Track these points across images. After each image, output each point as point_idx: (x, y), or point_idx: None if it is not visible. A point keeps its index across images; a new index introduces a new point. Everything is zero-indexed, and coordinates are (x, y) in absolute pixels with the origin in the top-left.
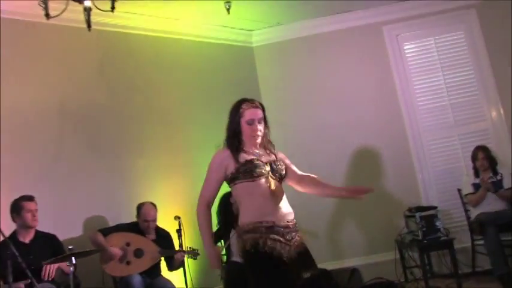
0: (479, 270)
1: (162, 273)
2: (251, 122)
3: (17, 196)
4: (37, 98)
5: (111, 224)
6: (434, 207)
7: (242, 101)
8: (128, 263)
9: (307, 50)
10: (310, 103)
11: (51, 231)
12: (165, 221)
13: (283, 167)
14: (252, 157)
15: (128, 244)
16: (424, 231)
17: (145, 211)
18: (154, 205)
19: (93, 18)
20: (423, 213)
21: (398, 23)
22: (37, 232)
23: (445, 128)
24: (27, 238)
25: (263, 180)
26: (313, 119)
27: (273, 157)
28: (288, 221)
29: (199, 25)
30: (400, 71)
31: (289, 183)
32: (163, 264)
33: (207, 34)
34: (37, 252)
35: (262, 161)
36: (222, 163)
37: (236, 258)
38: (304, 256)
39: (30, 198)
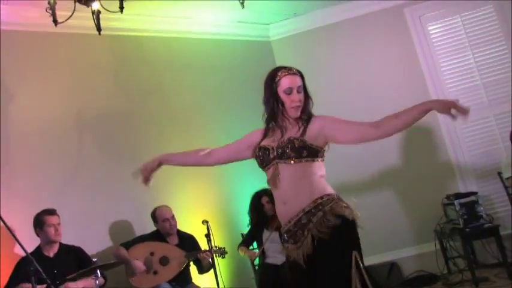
0: None
1: (194, 280)
2: (289, 91)
3: (40, 210)
4: (54, 109)
5: (137, 230)
6: (475, 193)
7: (278, 69)
8: (155, 272)
9: (327, 40)
10: (335, 93)
11: (78, 244)
12: (193, 226)
13: (302, 142)
14: (269, 143)
15: (152, 254)
16: (465, 219)
17: (160, 212)
18: (168, 208)
19: (104, 23)
20: (463, 200)
21: (420, 4)
22: (61, 245)
23: (479, 109)
24: (51, 252)
25: (271, 169)
26: (339, 109)
27: (291, 134)
28: (291, 220)
29: (213, 22)
30: (426, 53)
31: (354, 142)
32: (193, 271)
33: (221, 31)
34: (62, 266)
35: (271, 146)
36: (250, 137)
37: (270, 260)
38: (321, 254)
39: (51, 212)
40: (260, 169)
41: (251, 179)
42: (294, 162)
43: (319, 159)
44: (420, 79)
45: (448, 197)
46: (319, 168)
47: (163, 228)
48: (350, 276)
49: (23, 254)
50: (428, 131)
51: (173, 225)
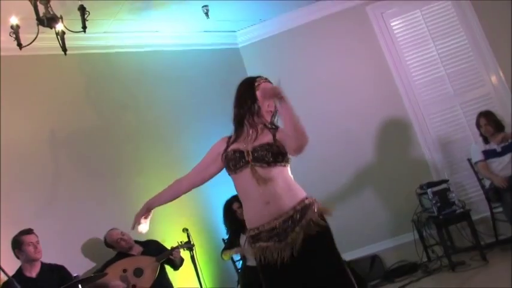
0: (503, 238)
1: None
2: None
3: (18, 230)
4: (27, 130)
5: None
6: (446, 181)
7: (256, 76)
8: (134, 286)
9: (295, 42)
10: (306, 95)
11: (59, 262)
12: (173, 235)
13: (274, 148)
14: (240, 146)
15: (124, 270)
16: (438, 207)
17: (109, 236)
18: (113, 229)
19: (71, 42)
20: (435, 189)
21: (381, 1)
22: (43, 265)
23: (445, 98)
24: (33, 272)
25: (245, 171)
26: (310, 110)
27: (266, 139)
28: (276, 218)
29: (180, 34)
30: (391, 48)
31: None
32: (170, 272)
33: (189, 41)
34: (45, 285)
35: (246, 149)
36: (213, 151)
37: (250, 263)
38: (312, 249)
39: (28, 232)
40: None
41: (228, 186)
42: (269, 166)
43: (288, 165)
44: (387, 73)
45: (421, 187)
46: (288, 171)
47: (121, 247)
48: (344, 267)
49: (5, 278)
50: (398, 125)
51: (127, 240)
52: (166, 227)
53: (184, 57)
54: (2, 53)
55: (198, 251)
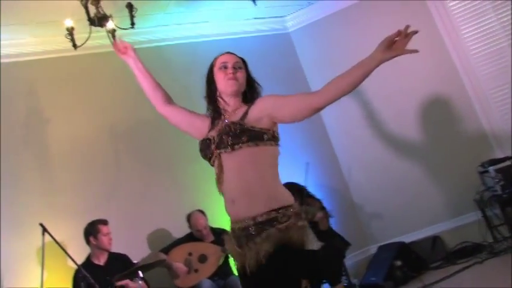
0: None
1: (235, 272)
2: (224, 66)
3: (83, 223)
4: (88, 126)
5: (175, 235)
6: (510, 158)
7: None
8: (196, 270)
9: (345, 23)
10: None
11: (119, 251)
12: (227, 223)
13: (240, 125)
14: (210, 133)
15: (190, 254)
16: (502, 185)
17: (194, 221)
18: (202, 212)
19: (123, 39)
20: (498, 166)
21: None
22: (110, 253)
23: (507, 71)
24: (101, 260)
25: (216, 162)
26: (365, 91)
27: (235, 117)
28: (238, 222)
29: (229, 23)
30: (445, 21)
31: (299, 115)
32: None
33: (240, 29)
34: (112, 273)
35: (213, 136)
36: (201, 122)
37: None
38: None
39: (105, 222)
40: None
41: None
42: (233, 150)
43: (266, 145)
44: (443, 50)
45: (482, 165)
46: (268, 154)
47: (196, 235)
48: None
49: (74, 265)
50: (457, 102)
51: (205, 234)
52: (220, 216)
53: (235, 46)
54: (60, 54)
55: None
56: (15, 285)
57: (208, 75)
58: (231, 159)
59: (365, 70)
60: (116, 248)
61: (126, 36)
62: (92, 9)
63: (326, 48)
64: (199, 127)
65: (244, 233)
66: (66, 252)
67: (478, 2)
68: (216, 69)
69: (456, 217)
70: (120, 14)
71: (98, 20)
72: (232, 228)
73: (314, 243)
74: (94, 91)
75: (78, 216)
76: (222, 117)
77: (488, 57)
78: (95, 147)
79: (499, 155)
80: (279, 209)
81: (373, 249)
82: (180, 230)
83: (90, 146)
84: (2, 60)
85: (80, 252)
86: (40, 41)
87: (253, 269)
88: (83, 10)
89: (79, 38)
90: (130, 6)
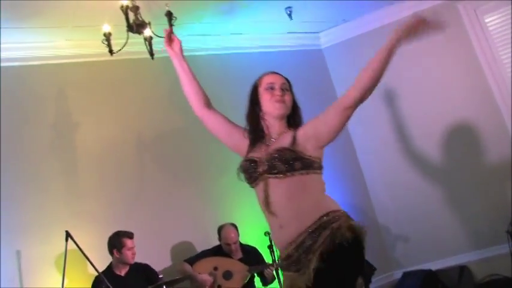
0: None
1: None
2: (271, 86)
3: (105, 230)
4: (114, 133)
5: (198, 248)
6: None
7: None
8: (219, 286)
9: (379, 43)
10: (391, 96)
11: (145, 262)
12: (255, 238)
13: (293, 152)
14: (256, 154)
15: (215, 268)
16: None
17: (226, 234)
18: (234, 226)
19: (156, 46)
20: None
21: None
22: (131, 264)
23: None
24: (123, 271)
25: (261, 184)
26: (396, 112)
27: (283, 143)
28: (291, 242)
29: (263, 35)
30: (484, 46)
31: (340, 120)
32: (258, 282)
33: (272, 43)
34: (133, 284)
35: (259, 157)
36: (241, 136)
37: None
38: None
39: (130, 236)
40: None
41: None
42: (286, 176)
43: (315, 173)
44: (479, 73)
45: None
46: (318, 182)
47: (225, 249)
48: None
49: (95, 273)
50: (492, 127)
51: (234, 250)
52: (247, 230)
53: (267, 59)
54: (92, 59)
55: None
56: None
57: (252, 95)
58: (280, 185)
59: (384, 52)
60: (137, 258)
61: (159, 44)
62: (131, 16)
63: (358, 67)
64: (237, 141)
65: (301, 250)
66: (89, 261)
67: None
68: (261, 89)
69: (486, 248)
70: (156, 22)
71: (136, 27)
72: (282, 259)
73: None
74: (123, 98)
75: (101, 224)
76: (266, 139)
77: None
78: (121, 155)
79: None
80: (328, 213)
81: (397, 274)
82: (204, 243)
83: (116, 153)
84: (33, 62)
85: (100, 260)
86: (73, 45)
87: (313, 275)
88: (118, 16)
89: (113, 44)
90: (170, 15)
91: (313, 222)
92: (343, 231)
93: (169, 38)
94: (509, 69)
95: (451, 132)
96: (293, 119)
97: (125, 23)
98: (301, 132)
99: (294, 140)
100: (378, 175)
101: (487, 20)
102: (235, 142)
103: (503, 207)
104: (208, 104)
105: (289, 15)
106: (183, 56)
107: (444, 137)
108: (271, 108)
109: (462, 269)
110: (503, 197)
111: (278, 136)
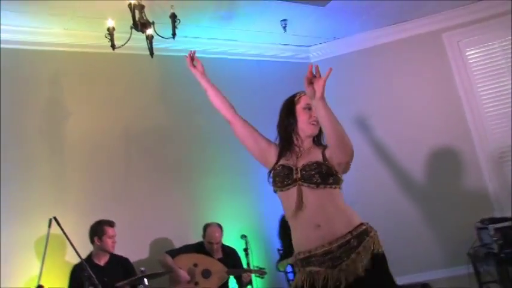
0: None
1: None
2: (309, 107)
3: (87, 220)
4: (103, 125)
5: (177, 245)
6: (509, 219)
7: (296, 92)
8: (196, 283)
9: (366, 63)
10: (372, 117)
11: (120, 253)
12: (232, 240)
13: (328, 168)
14: (289, 162)
15: (195, 265)
16: (500, 244)
17: (211, 233)
18: (220, 227)
19: (154, 44)
20: (498, 225)
21: (458, 29)
22: (111, 255)
23: None
24: (102, 261)
25: (292, 190)
26: (375, 133)
27: (314, 157)
28: (331, 242)
29: (256, 44)
30: (464, 78)
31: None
32: (231, 282)
33: (265, 53)
34: (111, 274)
35: (295, 166)
36: (270, 148)
37: None
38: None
39: (112, 224)
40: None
41: None
42: (318, 187)
43: (339, 187)
44: (457, 104)
45: (482, 221)
46: (341, 195)
47: (207, 247)
48: None
49: (73, 261)
50: (464, 156)
51: (215, 249)
52: (225, 231)
53: (259, 67)
54: (89, 50)
55: (253, 260)
56: (11, 273)
57: (288, 108)
58: (312, 194)
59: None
60: (116, 247)
61: (155, 42)
62: (136, 14)
63: (344, 83)
64: (263, 148)
65: (344, 248)
66: (74, 248)
67: (496, 64)
68: (299, 107)
69: (448, 267)
70: (157, 21)
71: (141, 25)
72: (309, 257)
73: None
74: (116, 92)
75: (83, 214)
76: (296, 151)
77: (501, 117)
78: (109, 147)
79: (497, 214)
80: (363, 223)
81: None
82: (183, 240)
83: (104, 145)
84: (30, 47)
85: (79, 249)
86: (71, 34)
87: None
88: (117, 11)
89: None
90: (173, 17)
91: (354, 228)
92: (378, 241)
93: (193, 59)
94: (485, 102)
95: (427, 156)
96: (317, 137)
97: (124, 19)
98: (328, 152)
99: (324, 156)
100: (356, 191)
101: (468, 53)
102: (261, 149)
103: (468, 230)
104: (236, 112)
105: (284, 27)
106: (204, 71)
107: (421, 161)
108: (308, 128)
109: (424, 286)
110: (469, 221)
111: (308, 150)
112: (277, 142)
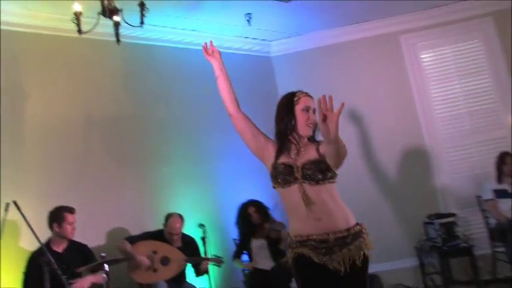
0: (501, 277)
1: (188, 278)
2: (307, 109)
3: (45, 206)
4: (64, 110)
5: (134, 233)
6: (453, 214)
7: (296, 91)
8: (155, 270)
9: (326, 60)
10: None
11: (77, 240)
12: (190, 229)
13: (326, 165)
14: (289, 160)
15: (154, 252)
16: (443, 238)
17: (172, 223)
18: (181, 217)
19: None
20: (442, 220)
21: (415, 32)
22: (70, 242)
23: (463, 135)
24: (60, 247)
25: (294, 187)
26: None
27: (311, 155)
28: (330, 233)
29: (219, 36)
30: (418, 79)
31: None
32: (189, 270)
33: (226, 45)
34: (70, 261)
35: (295, 164)
36: (267, 143)
37: (259, 265)
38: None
39: (72, 211)
40: (271, 184)
41: (245, 187)
42: (318, 184)
43: (335, 182)
44: (411, 104)
45: (429, 217)
46: (336, 189)
47: (167, 236)
48: None
49: (28, 248)
50: (415, 154)
51: (175, 239)
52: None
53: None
54: (51, 33)
55: (210, 248)
56: None
57: (288, 107)
58: (313, 190)
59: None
60: (74, 237)
61: (125, 29)
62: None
63: (303, 79)
64: (261, 143)
65: (338, 242)
66: (34, 233)
67: (447, 67)
68: (299, 108)
69: (396, 260)
70: (124, 8)
71: (109, 12)
72: (306, 240)
73: (267, 263)
74: (77, 76)
75: (41, 199)
76: (294, 148)
77: (449, 119)
78: (69, 132)
79: (443, 210)
80: (358, 224)
81: None
82: (141, 229)
83: (64, 130)
84: None
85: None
86: (30, 14)
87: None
88: None
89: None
90: (142, 5)
91: (351, 227)
92: (369, 243)
93: (207, 50)
94: (436, 103)
95: (379, 153)
96: (315, 132)
97: (91, 4)
98: (322, 149)
99: (320, 153)
100: None
101: (422, 56)
102: (258, 144)
103: (416, 225)
104: (239, 106)
105: (248, 21)
106: (221, 60)
107: (372, 158)
108: (305, 129)
109: (373, 278)
110: (417, 217)
111: (304, 148)
112: (273, 138)
